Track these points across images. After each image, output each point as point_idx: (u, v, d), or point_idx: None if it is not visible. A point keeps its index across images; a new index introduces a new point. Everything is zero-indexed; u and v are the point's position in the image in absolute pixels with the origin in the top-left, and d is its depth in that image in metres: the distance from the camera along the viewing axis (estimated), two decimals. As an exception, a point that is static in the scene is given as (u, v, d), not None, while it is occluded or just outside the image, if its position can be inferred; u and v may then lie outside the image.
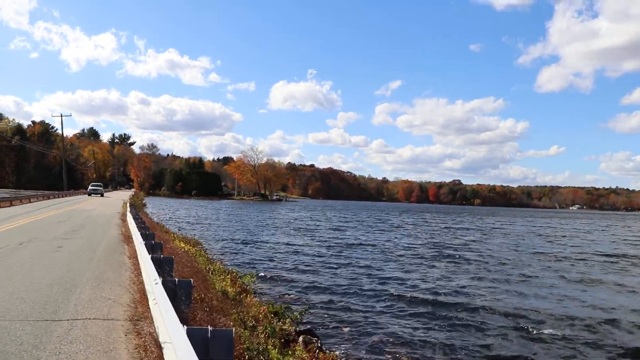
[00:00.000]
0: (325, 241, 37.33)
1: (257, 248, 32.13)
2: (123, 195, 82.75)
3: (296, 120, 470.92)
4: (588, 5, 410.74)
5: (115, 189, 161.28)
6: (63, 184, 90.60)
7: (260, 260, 26.21)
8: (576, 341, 14.12)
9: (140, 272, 10.82)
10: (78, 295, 9.11)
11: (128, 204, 37.65)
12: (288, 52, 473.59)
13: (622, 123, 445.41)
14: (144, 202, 63.89)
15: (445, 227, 64.71)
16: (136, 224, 18.02)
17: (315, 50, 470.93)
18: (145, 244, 10.78)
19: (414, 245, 37.32)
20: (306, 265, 25.24)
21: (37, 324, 7.17)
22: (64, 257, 13.67)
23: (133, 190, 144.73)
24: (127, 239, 18.91)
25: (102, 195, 72.66)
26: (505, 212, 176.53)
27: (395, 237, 44.03)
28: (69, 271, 11.43)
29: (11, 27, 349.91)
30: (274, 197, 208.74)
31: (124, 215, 32.41)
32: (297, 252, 30.78)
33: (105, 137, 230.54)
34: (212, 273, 13.54)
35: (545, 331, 14.74)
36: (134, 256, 14.52)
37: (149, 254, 10.15)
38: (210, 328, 4.81)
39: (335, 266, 25.47)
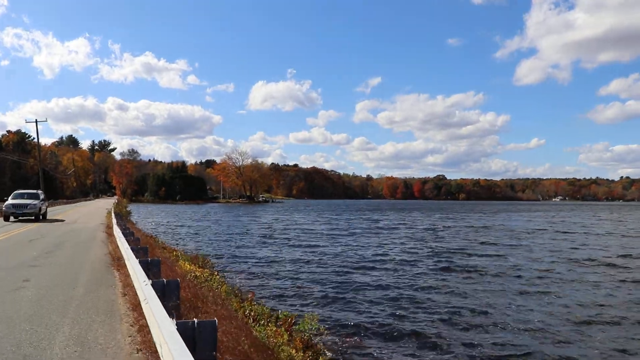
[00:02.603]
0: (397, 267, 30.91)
1: (274, 266, 24.80)
2: (106, 204, 78.19)
3: (277, 120, 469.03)
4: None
5: (97, 196, 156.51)
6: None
7: (289, 287, 19.16)
8: None
9: (144, 316, 6.97)
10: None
11: (113, 214, 33.45)
12: (267, 52, 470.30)
13: (600, 114, 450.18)
14: (128, 209, 59.23)
15: (446, 227, 61.00)
16: (127, 240, 13.98)
17: (294, 49, 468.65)
18: (153, 285, 6.77)
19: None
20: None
21: None
22: (28, 300, 9.58)
23: (116, 197, 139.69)
24: (117, 261, 14.84)
25: (38, 216, 34.12)
26: (496, 207, 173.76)
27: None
28: (32, 332, 7.38)
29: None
30: (260, 199, 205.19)
31: (109, 227, 28.22)
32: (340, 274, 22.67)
33: (84, 144, 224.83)
34: (250, 317, 9.49)
35: None
36: (128, 290, 10.53)
37: (159, 297, 6.23)
38: None
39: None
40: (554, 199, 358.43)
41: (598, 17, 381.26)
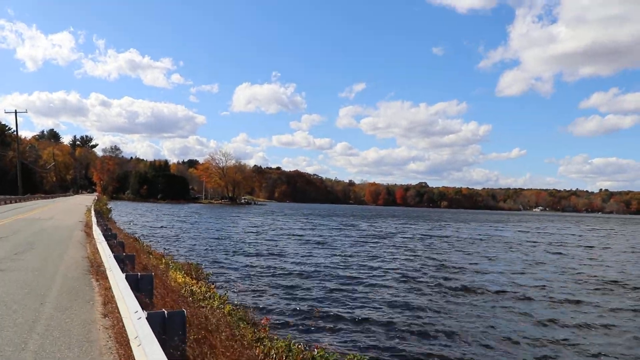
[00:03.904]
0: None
1: (273, 277, 21.65)
2: (86, 200, 75.28)
3: (260, 122, 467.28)
4: (547, 10, 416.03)
5: (76, 192, 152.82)
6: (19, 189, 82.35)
7: (294, 303, 16.25)
8: None
9: (133, 357, 4.98)
10: None
11: (93, 211, 31.12)
12: (252, 54, 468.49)
13: (580, 127, 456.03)
14: (109, 207, 56.61)
15: (443, 239, 59.20)
16: (109, 244, 11.88)
17: (279, 53, 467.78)
18: (149, 319, 4.76)
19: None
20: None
21: None
22: (-18, 319, 7.52)
23: (96, 194, 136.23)
24: (96, 267, 12.73)
25: None
26: (480, 216, 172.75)
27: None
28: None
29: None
30: (243, 201, 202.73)
31: (88, 225, 25.94)
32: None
33: (66, 139, 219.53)
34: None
35: None
36: (110, 309, 8.48)
37: (158, 336, 4.26)
38: None
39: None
40: (534, 209, 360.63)
41: (579, 32, 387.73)
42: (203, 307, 9.18)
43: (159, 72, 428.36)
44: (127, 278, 7.05)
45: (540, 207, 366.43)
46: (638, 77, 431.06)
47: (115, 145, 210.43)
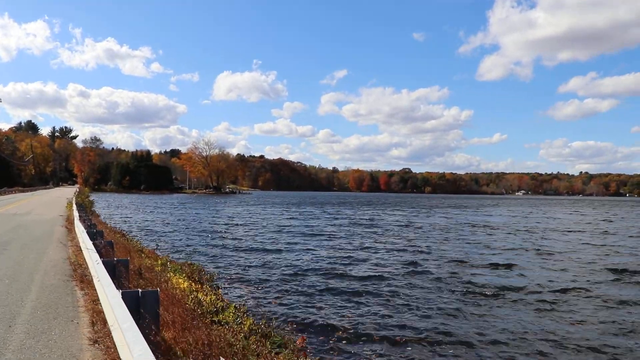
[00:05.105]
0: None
1: (283, 279, 18.28)
2: (67, 192, 72.68)
3: (241, 111, 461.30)
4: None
5: (57, 185, 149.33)
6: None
7: (313, 310, 13.59)
8: None
9: None
10: None
11: (74, 204, 29.02)
12: (232, 42, 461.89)
13: (559, 111, 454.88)
14: (91, 199, 54.22)
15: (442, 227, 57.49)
16: (95, 245, 9.94)
17: (260, 40, 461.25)
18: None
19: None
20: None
21: None
22: None
23: (77, 186, 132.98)
24: (79, 270, 10.81)
25: None
26: (467, 200, 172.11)
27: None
28: None
29: None
30: (227, 190, 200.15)
31: (69, 220, 23.88)
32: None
33: (44, 130, 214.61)
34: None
35: None
36: (100, 331, 6.61)
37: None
38: None
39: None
40: (517, 193, 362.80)
41: (557, 17, 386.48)
42: (221, 324, 7.32)
43: (138, 61, 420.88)
44: (124, 297, 5.16)
45: (522, 191, 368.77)
46: (615, 61, 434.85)
47: (96, 136, 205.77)
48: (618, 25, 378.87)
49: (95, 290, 8.09)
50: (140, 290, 5.39)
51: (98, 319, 7.10)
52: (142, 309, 5.28)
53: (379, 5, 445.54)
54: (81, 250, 12.36)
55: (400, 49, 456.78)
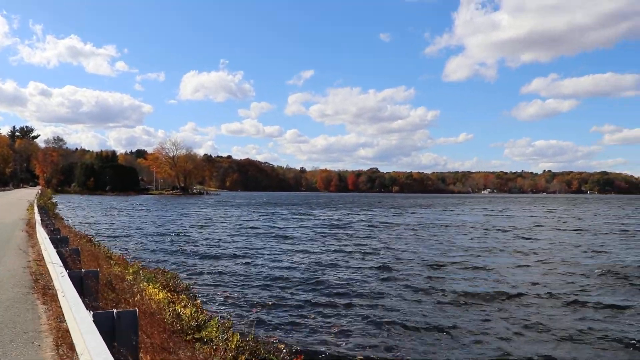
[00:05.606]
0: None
1: (260, 286, 17.15)
2: (29, 194, 70.33)
3: (208, 111, 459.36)
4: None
5: (17, 186, 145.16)
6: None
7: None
8: None
9: None
10: None
11: (36, 207, 27.72)
12: (199, 41, 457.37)
13: (522, 111, 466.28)
14: (54, 201, 52.44)
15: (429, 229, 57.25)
16: (59, 253, 9.10)
17: (227, 40, 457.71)
18: None
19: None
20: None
21: None
22: None
23: (39, 187, 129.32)
24: (41, 281, 9.95)
25: None
26: (434, 200, 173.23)
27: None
28: None
29: None
30: (195, 191, 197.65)
31: (30, 224, 22.69)
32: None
33: (4, 130, 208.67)
34: None
35: None
36: (65, 355, 5.85)
37: None
38: None
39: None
40: (483, 192, 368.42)
41: (520, 20, 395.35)
42: (204, 342, 6.62)
43: (102, 59, 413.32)
44: (97, 321, 4.43)
45: (488, 190, 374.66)
46: (574, 63, 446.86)
47: (58, 136, 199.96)
48: (576, 28, 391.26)
49: (58, 303, 7.32)
50: (115, 311, 4.67)
51: (63, 341, 6.33)
52: (117, 332, 4.57)
53: (345, 6, 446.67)
54: (43, 258, 11.49)
55: (366, 49, 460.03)
